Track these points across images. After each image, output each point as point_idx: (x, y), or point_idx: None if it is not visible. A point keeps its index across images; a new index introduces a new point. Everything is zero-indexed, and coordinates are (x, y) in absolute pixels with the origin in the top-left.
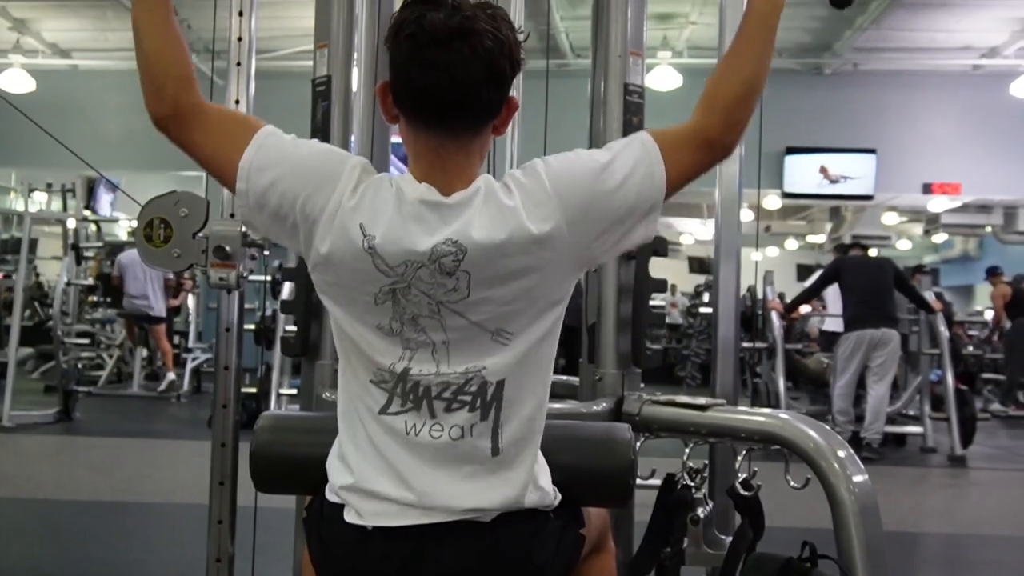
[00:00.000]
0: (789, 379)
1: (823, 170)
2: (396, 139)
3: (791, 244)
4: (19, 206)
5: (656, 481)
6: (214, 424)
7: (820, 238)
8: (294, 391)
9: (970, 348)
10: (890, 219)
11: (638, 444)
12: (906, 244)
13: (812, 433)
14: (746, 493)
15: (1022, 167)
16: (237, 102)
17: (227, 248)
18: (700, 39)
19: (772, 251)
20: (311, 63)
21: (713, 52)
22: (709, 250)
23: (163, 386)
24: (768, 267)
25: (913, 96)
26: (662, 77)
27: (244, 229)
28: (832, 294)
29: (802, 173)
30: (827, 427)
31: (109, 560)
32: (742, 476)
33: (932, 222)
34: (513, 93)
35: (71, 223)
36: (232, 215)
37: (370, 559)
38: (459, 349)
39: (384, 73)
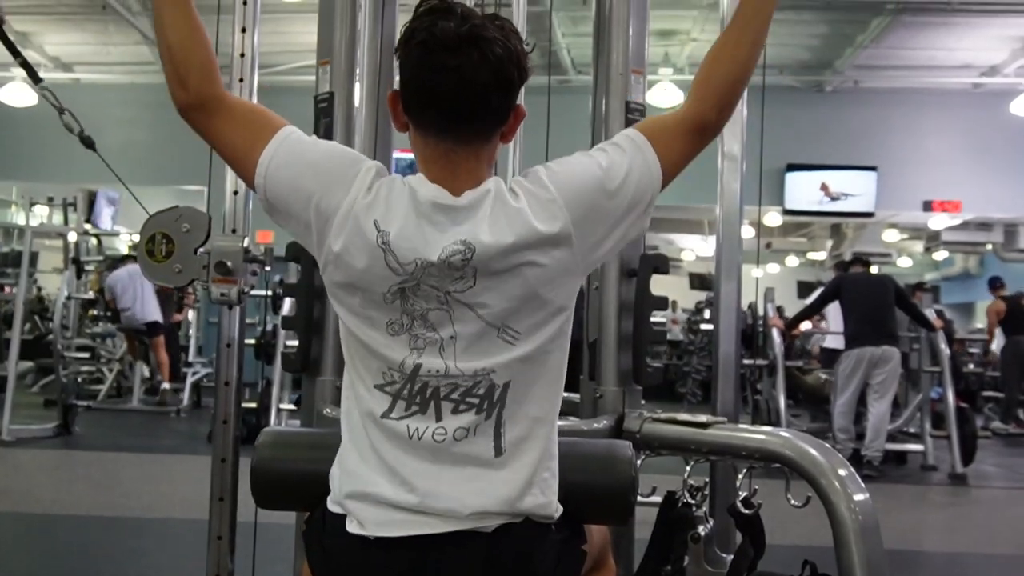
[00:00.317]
0: (790, 396)
1: (824, 187)
2: (398, 155)
3: (792, 261)
4: (20, 220)
5: (657, 498)
6: (214, 439)
7: (821, 255)
8: (294, 406)
9: (970, 366)
10: (891, 236)
11: (639, 461)
12: (907, 261)
13: (813, 451)
14: (747, 511)
15: (1022, 185)
16: None
17: (228, 264)
18: (701, 56)
19: (773, 268)
20: (313, 78)
21: None
22: (710, 266)
23: (158, 397)
24: (769, 284)
25: (914, 114)
26: (663, 94)
27: (246, 244)
28: (833, 311)
29: (803, 190)
30: (828, 445)
31: None
32: (743, 494)
33: (933, 240)
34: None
35: (72, 237)
36: (234, 230)
37: (371, 569)
38: (467, 347)
39: (386, 90)
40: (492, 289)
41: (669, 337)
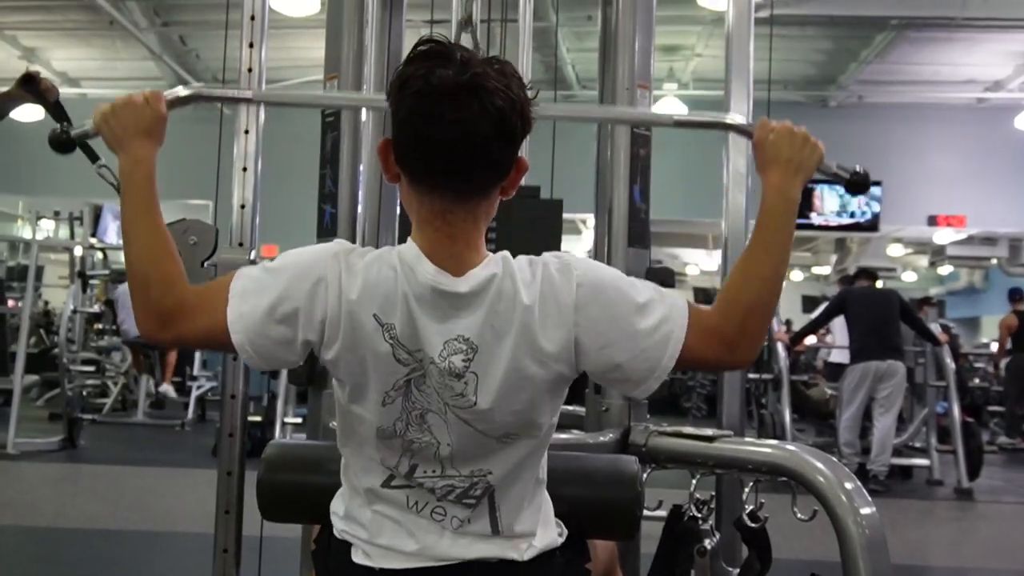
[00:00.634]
0: (795, 411)
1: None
2: None
3: (796, 275)
4: (26, 234)
5: (663, 512)
6: (220, 452)
7: (825, 269)
8: (299, 420)
9: (976, 380)
10: (895, 251)
11: (645, 475)
12: (911, 276)
13: (819, 465)
14: (753, 525)
15: None
16: (247, 132)
17: None
18: (705, 71)
19: None
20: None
21: (718, 84)
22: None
23: (154, 394)
24: None
25: (918, 129)
26: (668, 109)
27: (252, 257)
28: (839, 325)
29: (808, 204)
30: (834, 459)
31: None
32: (749, 508)
33: (937, 254)
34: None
35: (78, 250)
36: (240, 244)
37: None
38: (464, 453)
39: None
40: (495, 409)
41: None
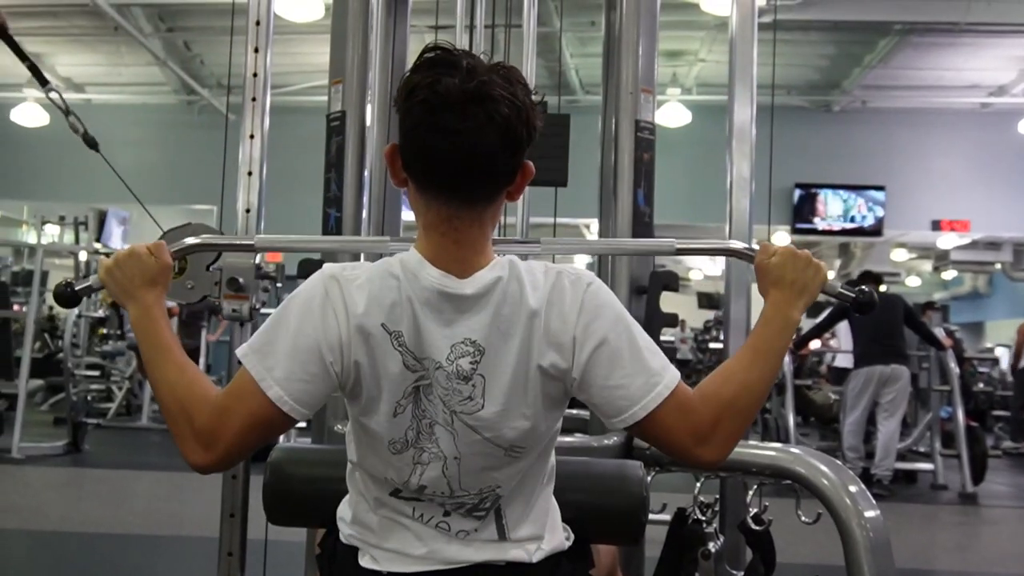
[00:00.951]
0: (799, 415)
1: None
2: None
3: None
4: (31, 238)
5: (667, 516)
6: None
7: (829, 274)
8: (304, 424)
9: (980, 385)
10: (899, 255)
11: (649, 478)
12: (915, 281)
13: (824, 468)
14: (757, 528)
15: None
16: (252, 136)
17: (240, 280)
18: (709, 76)
19: None
20: (325, 98)
21: (722, 89)
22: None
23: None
24: None
25: (922, 133)
26: (672, 114)
27: (257, 261)
28: (843, 330)
29: (811, 209)
30: (838, 462)
31: None
32: (753, 511)
33: (941, 259)
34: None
35: (83, 255)
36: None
37: None
38: (472, 467)
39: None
40: (501, 414)
41: (678, 356)
